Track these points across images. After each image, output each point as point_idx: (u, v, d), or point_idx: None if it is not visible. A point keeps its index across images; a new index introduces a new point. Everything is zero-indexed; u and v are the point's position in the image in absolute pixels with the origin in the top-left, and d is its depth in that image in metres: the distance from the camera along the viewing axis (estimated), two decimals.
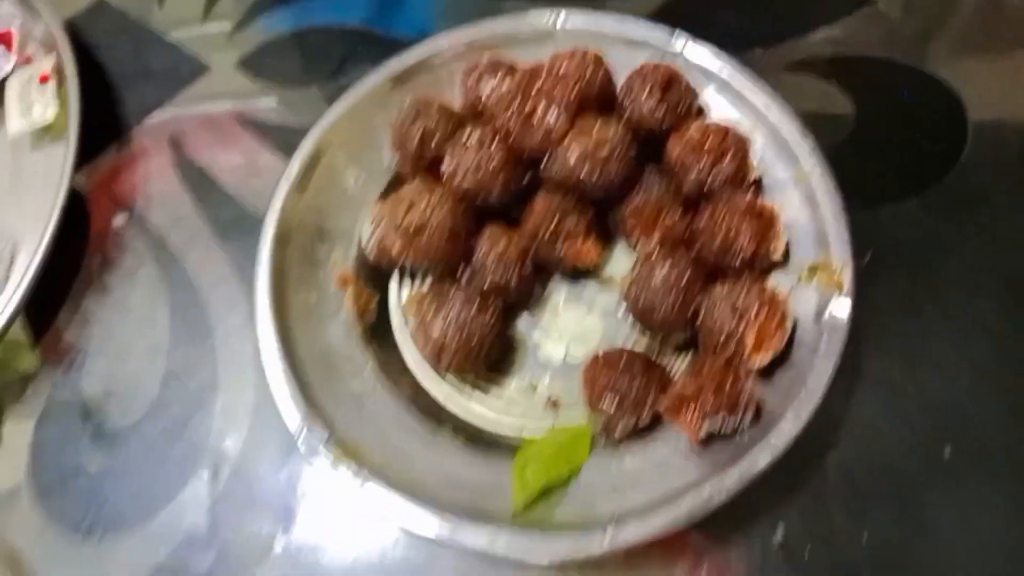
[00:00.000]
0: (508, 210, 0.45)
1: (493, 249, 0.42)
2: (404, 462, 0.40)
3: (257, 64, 0.60)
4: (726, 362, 0.39)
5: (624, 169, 0.43)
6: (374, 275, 0.47)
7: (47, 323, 0.52)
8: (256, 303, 0.43)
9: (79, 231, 0.54)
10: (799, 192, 0.44)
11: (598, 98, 0.45)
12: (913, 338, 0.45)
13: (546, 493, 0.39)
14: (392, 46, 0.51)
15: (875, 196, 0.49)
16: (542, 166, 0.43)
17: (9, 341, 0.50)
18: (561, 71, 0.45)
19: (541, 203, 0.43)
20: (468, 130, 0.43)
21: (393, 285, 0.48)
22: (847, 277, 0.40)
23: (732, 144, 0.43)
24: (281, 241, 0.45)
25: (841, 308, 0.39)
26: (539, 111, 0.43)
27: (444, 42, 0.50)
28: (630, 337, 0.44)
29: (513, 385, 0.44)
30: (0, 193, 0.55)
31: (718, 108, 0.47)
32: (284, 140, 0.55)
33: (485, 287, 0.42)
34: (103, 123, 0.57)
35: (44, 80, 0.55)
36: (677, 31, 0.48)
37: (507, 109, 0.43)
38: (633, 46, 0.48)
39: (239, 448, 0.45)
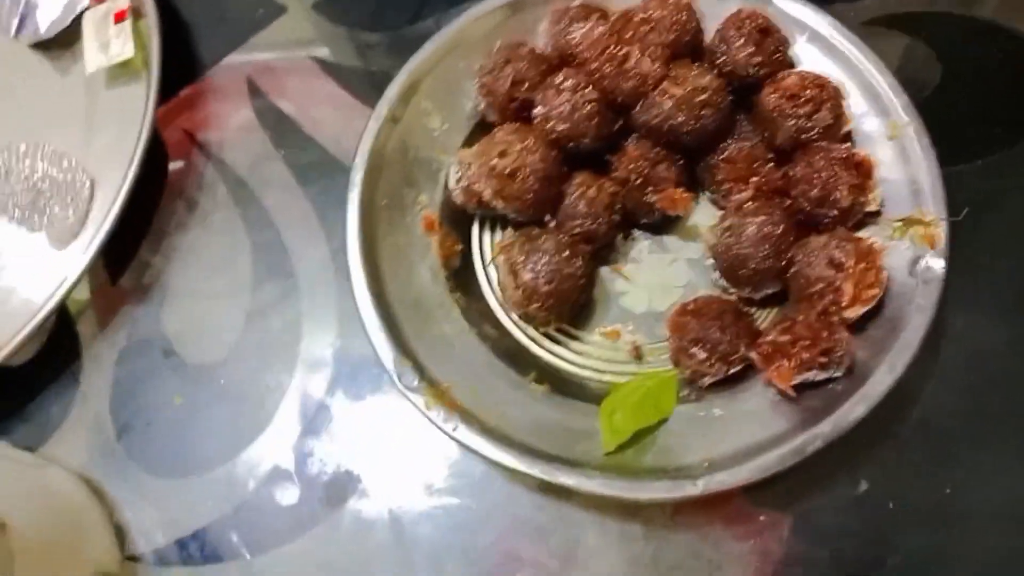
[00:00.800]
0: (596, 157, 0.45)
1: (585, 195, 0.42)
2: (493, 406, 0.40)
3: (334, 6, 0.59)
4: (820, 313, 0.39)
5: (719, 117, 0.43)
6: (458, 221, 0.47)
7: (126, 261, 0.52)
8: (348, 243, 0.43)
9: (155, 170, 0.54)
10: (891, 147, 0.43)
11: (689, 45, 0.45)
12: (1000, 293, 0.45)
13: (635, 439, 0.39)
14: None
15: (957, 153, 0.48)
16: (634, 112, 0.43)
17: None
18: (654, 16, 0.44)
19: (633, 150, 0.43)
20: (561, 75, 0.43)
21: (475, 232, 0.48)
22: (942, 233, 0.40)
23: (829, 94, 0.42)
24: (371, 177, 0.45)
25: (936, 262, 0.39)
26: (633, 57, 0.42)
27: None
28: (714, 289, 0.44)
29: (596, 333, 0.45)
30: (76, 129, 0.55)
31: (809, 59, 0.46)
32: (363, 84, 0.55)
33: (575, 234, 0.43)
34: (179, 63, 0.57)
35: (120, 18, 0.54)
36: None
37: (601, 54, 0.42)
38: None
39: (324, 386, 0.46)
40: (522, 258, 0.42)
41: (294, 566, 0.43)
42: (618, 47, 0.42)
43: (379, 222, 0.44)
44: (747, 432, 0.39)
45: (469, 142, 0.47)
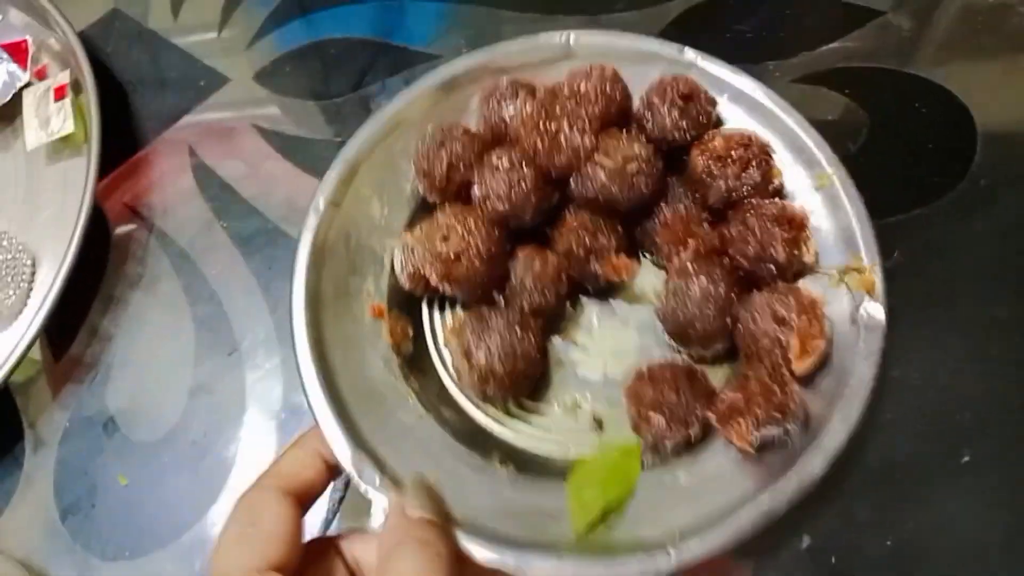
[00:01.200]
0: (536, 231, 0.45)
1: (530, 271, 0.43)
2: (460, 496, 0.39)
3: (276, 76, 0.60)
4: (770, 369, 0.40)
5: (652, 183, 0.43)
6: (407, 304, 0.47)
7: (69, 337, 0.51)
8: (295, 338, 0.42)
9: (98, 244, 0.54)
10: (819, 198, 0.45)
11: (617, 113, 0.46)
12: (931, 341, 0.46)
13: (605, 513, 0.39)
14: (412, 56, 0.51)
15: (889, 205, 0.50)
16: (570, 184, 0.44)
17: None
18: (581, 89, 0.45)
19: (572, 221, 0.44)
20: (496, 154, 0.43)
21: (425, 314, 0.48)
22: (878, 278, 0.41)
23: (756, 152, 0.44)
24: (315, 268, 0.44)
25: (876, 309, 0.40)
26: (564, 130, 0.43)
27: (459, 67, 0.50)
28: (667, 350, 0.45)
29: (555, 406, 0.44)
30: (17, 207, 0.55)
31: (734, 118, 0.48)
32: (306, 152, 0.55)
33: (525, 309, 0.43)
34: (120, 135, 0.57)
35: (60, 95, 0.54)
36: (686, 48, 0.48)
37: (533, 130, 0.43)
38: (646, 60, 0.49)
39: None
40: (474, 340, 0.41)
41: None
42: (548, 122, 0.43)
43: (326, 314, 0.43)
44: (714, 495, 0.38)
45: (412, 223, 0.47)
